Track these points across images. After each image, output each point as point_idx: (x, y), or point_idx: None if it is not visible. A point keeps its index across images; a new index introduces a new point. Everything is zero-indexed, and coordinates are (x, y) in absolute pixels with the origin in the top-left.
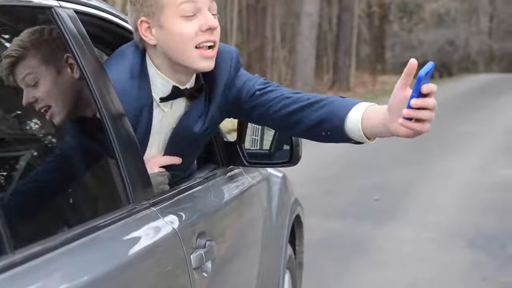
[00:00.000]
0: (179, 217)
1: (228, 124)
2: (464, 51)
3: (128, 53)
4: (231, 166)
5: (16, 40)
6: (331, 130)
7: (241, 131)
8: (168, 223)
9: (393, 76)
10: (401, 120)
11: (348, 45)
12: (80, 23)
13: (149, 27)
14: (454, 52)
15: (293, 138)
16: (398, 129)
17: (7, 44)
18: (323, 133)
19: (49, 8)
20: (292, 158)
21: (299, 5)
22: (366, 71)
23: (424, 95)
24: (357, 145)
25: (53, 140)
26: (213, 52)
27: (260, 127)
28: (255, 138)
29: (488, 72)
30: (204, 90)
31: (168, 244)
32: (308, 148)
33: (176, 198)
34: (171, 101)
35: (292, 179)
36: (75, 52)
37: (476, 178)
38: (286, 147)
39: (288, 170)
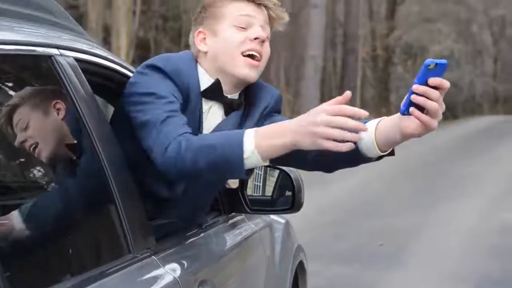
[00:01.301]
0: (181, 265)
1: None
2: (468, 93)
3: (183, 54)
4: (233, 213)
5: (15, 93)
6: None
7: None
8: (169, 272)
9: None
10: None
11: (353, 88)
12: (80, 71)
13: (204, 38)
14: (458, 94)
15: (295, 183)
16: (407, 125)
17: (10, 91)
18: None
19: (49, 57)
20: (294, 204)
21: (303, 48)
22: (370, 113)
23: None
24: (364, 167)
25: (51, 185)
26: (258, 63)
27: (262, 173)
28: (257, 185)
29: (493, 114)
30: (243, 106)
31: None
32: (311, 192)
33: (177, 246)
34: (210, 103)
35: (296, 225)
36: (75, 99)
37: (481, 221)
38: (288, 193)
39: (291, 216)
